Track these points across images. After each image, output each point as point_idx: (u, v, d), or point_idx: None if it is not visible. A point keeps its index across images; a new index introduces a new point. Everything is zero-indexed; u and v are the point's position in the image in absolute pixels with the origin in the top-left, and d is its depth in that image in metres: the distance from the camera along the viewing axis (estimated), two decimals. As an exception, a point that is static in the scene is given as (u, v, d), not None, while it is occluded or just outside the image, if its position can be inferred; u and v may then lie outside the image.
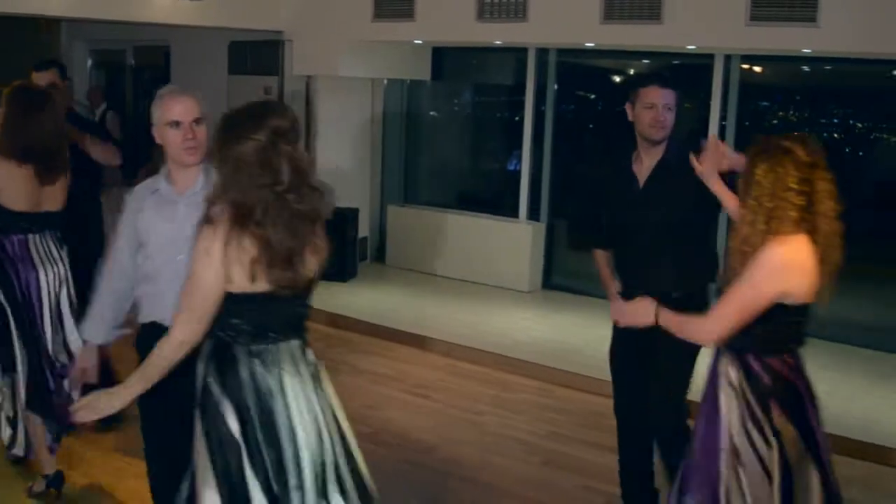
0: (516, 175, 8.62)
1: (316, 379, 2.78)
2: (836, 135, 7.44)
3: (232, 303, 2.63)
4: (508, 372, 6.32)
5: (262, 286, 2.60)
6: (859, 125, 7.41)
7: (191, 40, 8.99)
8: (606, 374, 5.90)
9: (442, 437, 5.18)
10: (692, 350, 3.64)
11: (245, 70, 8.53)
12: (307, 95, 8.51)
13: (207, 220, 2.59)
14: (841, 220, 2.82)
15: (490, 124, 9.53)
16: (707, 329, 2.94)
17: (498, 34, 7.29)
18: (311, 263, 2.70)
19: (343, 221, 8.25)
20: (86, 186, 4.90)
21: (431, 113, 9.64)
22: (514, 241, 8.33)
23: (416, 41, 8.14)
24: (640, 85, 3.85)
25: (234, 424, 2.65)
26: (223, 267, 2.56)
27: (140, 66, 10.59)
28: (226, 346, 2.67)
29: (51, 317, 4.15)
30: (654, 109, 3.76)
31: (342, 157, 8.67)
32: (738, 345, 2.93)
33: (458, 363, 6.50)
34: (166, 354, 2.67)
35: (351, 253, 8.48)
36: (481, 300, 7.96)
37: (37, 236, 4.11)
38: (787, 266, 2.79)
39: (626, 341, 3.90)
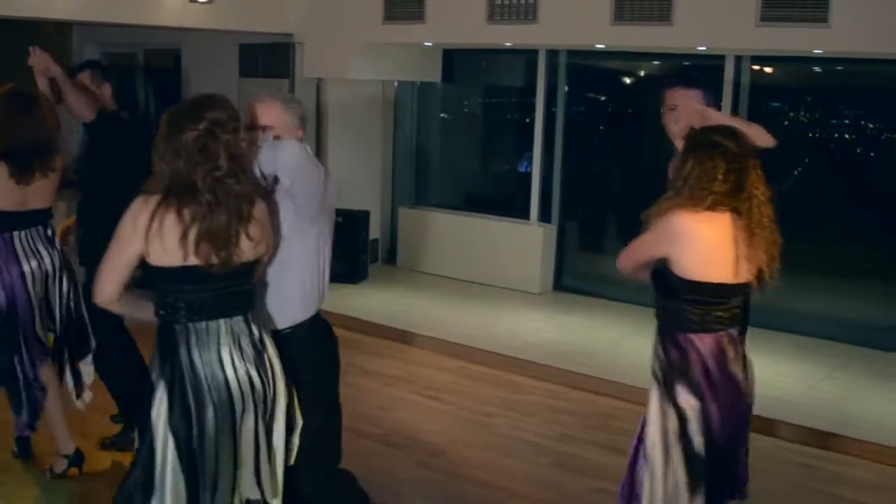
0: (527, 177, 8.62)
1: (258, 352, 2.88)
2: (847, 135, 7.40)
3: (165, 280, 2.76)
4: (519, 374, 6.31)
5: (192, 260, 2.72)
6: (871, 126, 7.37)
7: (201, 43, 9.01)
8: (617, 376, 5.94)
9: (452, 439, 5.18)
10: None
11: (256, 73, 8.54)
12: (318, 98, 8.52)
13: (141, 192, 2.76)
14: (771, 204, 3.00)
15: (501, 126, 9.52)
16: (619, 258, 3.26)
17: (508, 36, 7.29)
18: (247, 248, 2.81)
19: (354, 223, 8.27)
20: (129, 194, 4.87)
21: (442, 115, 9.64)
22: (525, 243, 8.33)
23: (426, 43, 8.14)
24: (665, 87, 3.85)
25: (162, 395, 2.77)
26: (145, 238, 2.70)
27: (151, 68, 10.63)
28: (167, 324, 2.81)
29: (38, 308, 4.22)
30: (676, 111, 3.75)
31: (353, 159, 8.67)
32: (660, 323, 3.14)
33: (468, 365, 6.50)
34: (96, 301, 2.87)
35: (362, 255, 8.49)
36: (492, 302, 7.95)
37: (23, 233, 4.20)
38: (683, 234, 2.95)
39: None
